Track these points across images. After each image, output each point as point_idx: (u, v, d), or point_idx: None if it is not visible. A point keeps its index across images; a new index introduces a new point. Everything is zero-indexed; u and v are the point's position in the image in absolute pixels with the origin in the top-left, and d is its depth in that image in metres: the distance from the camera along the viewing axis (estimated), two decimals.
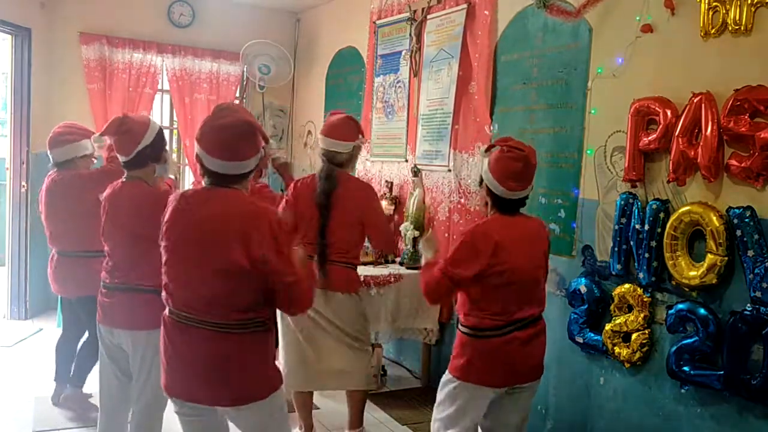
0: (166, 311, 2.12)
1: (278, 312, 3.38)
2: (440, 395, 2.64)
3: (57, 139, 3.64)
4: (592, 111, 3.31)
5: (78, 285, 3.62)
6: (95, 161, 3.82)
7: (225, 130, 2.00)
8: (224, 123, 2.01)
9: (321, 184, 3.24)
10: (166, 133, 5.38)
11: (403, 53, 4.88)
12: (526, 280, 2.52)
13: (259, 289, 2.04)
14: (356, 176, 3.40)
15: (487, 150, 2.64)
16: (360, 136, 3.35)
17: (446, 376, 2.63)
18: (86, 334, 3.81)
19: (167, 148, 2.92)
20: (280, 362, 3.43)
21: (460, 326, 2.60)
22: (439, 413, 2.63)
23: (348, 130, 3.30)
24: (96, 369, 3.80)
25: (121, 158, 2.78)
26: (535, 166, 2.55)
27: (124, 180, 2.80)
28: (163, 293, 2.11)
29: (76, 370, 3.82)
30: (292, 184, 3.44)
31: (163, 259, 2.10)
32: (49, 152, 3.68)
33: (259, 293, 2.05)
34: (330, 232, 3.23)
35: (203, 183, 2.11)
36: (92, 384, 3.88)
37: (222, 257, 1.97)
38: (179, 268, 2.06)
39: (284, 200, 3.40)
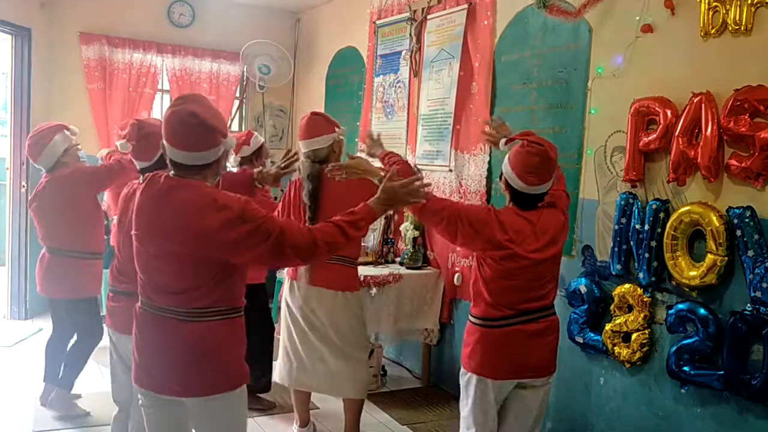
0: (138, 302, 2.12)
1: (283, 307, 3.39)
2: (461, 390, 2.64)
3: (34, 152, 3.59)
4: (592, 111, 3.31)
5: (62, 287, 3.60)
6: (80, 149, 3.75)
7: (175, 118, 2.01)
8: (175, 111, 2.01)
9: (305, 184, 3.21)
10: None
11: (403, 53, 4.88)
12: (533, 273, 2.49)
13: (227, 274, 2.03)
14: None
15: (507, 143, 2.60)
16: (336, 128, 3.28)
17: (462, 369, 2.62)
18: (75, 336, 3.78)
19: None
20: (278, 357, 3.43)
21: (469, 315, 2.59)
22: (461, 410, 2.62)
23: (317, 125, 3.25)
24: (87, 372, 3.84)
25: (141, 164, 2.72)
26: (554, 161, 2.50)
27: (140, 182, 2.78)
28: (138, 283, 2.12)
29: (65, 373, 3.76)
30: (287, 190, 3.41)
31: (134, 247, 2.10)
32: (36, 165, 3.67)
33: (228, 278, 2.04)
34: None
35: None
36: (85, 385, 3.91)
37: (184, 246, 1.97)
38: (147, 257, 2.06)
39: (279, 206, 3.39)
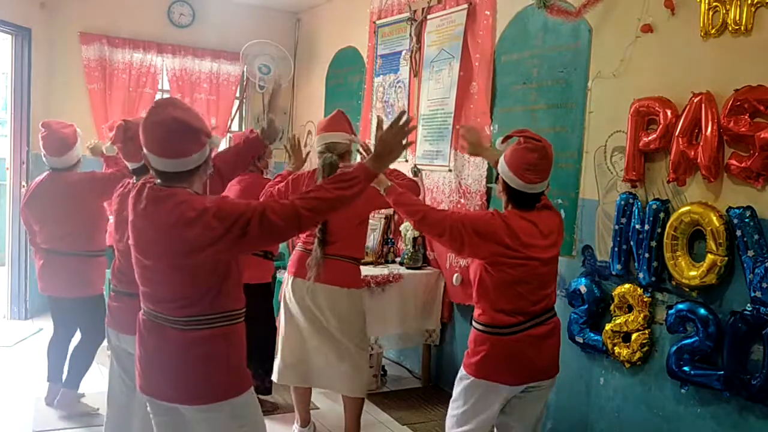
0: (141, 311, 2.11)
1: (282, 304, 3.39)
2: (455, 391, 2.60)
3: (55, 148, 3.56)
4: (592, 111, 3.31)
5: (73, 286, 3.62)
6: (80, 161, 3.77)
7: (157, 128, 1.97)
8: (156, 120, 1.97)
9: (320, 176, 3.18)
10: None
11: (403, 53, 4.88)
12: (541, 276, 2.47)
13: (222, 279, 2.02)
14: None
15: (504, 141, 2.55)
16: (354, 135, 3.34)
17: (461, 372, 2.57)
18: (79, 336, 3.79)
19: None
20: (278, 355, 3.43)
21: (474, 323, 2.54)
22: (453, 409, 2.59)
23: (342, 122, 3.31)
24: (91, 371, 3.85)
25: (132, 165, 2.74)
26: (551, 158, 2.47)
27: (133, 182, 2.78)
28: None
29: (70, 372, 3.76)
30: (284, 176, 3.45)
31: (133, 257, 2.08)
32: (47, 157, 3.62)
33: (223, 282, 2.02)
34: (330, 225, 3.23)
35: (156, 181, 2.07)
36: (86, 385, 3.91)
37: (176, 259, 1.97)
38: (143, 268, 2.05)
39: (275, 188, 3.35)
